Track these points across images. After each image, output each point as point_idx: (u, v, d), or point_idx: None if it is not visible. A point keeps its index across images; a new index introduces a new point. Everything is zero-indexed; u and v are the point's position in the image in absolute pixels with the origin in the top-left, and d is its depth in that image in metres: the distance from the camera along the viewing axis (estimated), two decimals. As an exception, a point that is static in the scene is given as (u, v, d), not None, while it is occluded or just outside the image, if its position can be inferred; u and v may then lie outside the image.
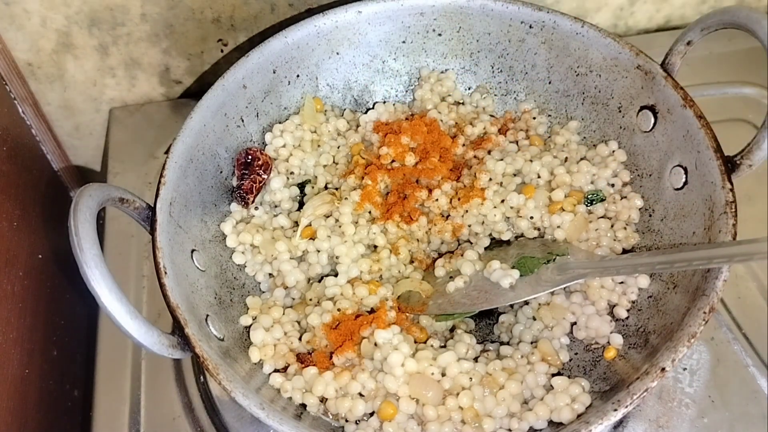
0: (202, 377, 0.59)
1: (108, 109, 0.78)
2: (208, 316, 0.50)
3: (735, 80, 0.77)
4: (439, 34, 0.64)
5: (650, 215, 0.57)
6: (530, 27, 0.61)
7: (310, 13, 0.62)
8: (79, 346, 0.69)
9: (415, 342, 0.53)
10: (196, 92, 0.78)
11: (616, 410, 0.43)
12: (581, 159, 0.60)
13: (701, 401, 0.57)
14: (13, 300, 0.58)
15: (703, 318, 0.44)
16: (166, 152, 0.53)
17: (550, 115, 0.64)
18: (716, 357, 0.59)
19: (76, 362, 0.68)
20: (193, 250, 0.53)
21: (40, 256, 0.65)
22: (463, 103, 0.66)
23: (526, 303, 0.55)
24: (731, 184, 0.48)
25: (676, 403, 0.56)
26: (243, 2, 0.70)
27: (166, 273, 0.47)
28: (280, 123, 0.63)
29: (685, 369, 0.58)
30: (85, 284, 0.40)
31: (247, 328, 0.54)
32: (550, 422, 0.48)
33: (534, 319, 0.55)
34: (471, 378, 0.49)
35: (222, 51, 0.75)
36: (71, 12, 0.68)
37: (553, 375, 0.51)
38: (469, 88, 0.67)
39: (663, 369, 0.43)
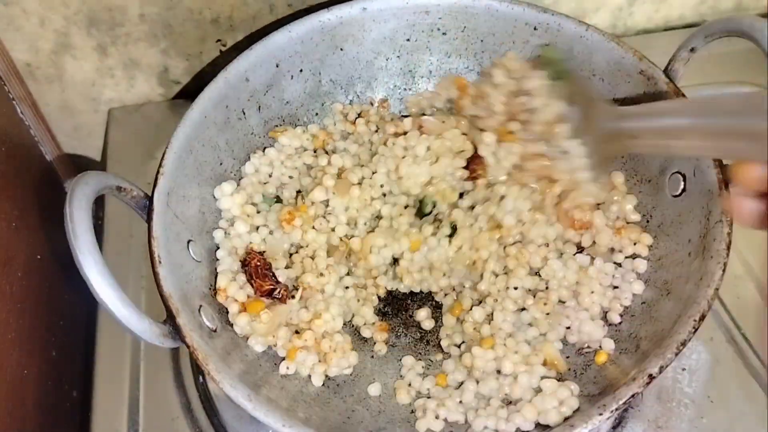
0: (201, 377, 0.59)
1: (107, 110, 0.78)
2: (201, 306, 0.50)
3: (735, 80, 0.77)
4: (444, 33, 0.64)
5: (648, 221, 0.57)
6: (534, 29, 0.61)
7: (309, 12, 0.62)
8: (78, 347, 0.69)
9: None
10: (194, 92, 0.76)
11: (601, 414, 0.42)
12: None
13: (700, 401, 0.57)
14: (11, 301, 0.58)
15: (693, 326, 0.44)
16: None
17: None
18: (715, 357, 0.59)
19: (75, 363, 0.68)
20: (189, 241, 0.53)
21: (38, 257, 0.64)
22: None
23: (524, 309, 0.55)
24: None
25: (675, 404, 0.57)
26: (242, 2, 0.70)
27: (160, 262, 0.47)
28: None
29: (684, 369, 0.58)
30: (84, 282, 0.40)
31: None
32: (537, 424, 0.48)
33: (530, 325, 0.54)
34: None
35: (221, 51, 0.75)
36: (70, 12, 0.68)
37: (542, 378, 0.51)
38: (471, 87, 0.67)
39: (651, 375, 0.43)
